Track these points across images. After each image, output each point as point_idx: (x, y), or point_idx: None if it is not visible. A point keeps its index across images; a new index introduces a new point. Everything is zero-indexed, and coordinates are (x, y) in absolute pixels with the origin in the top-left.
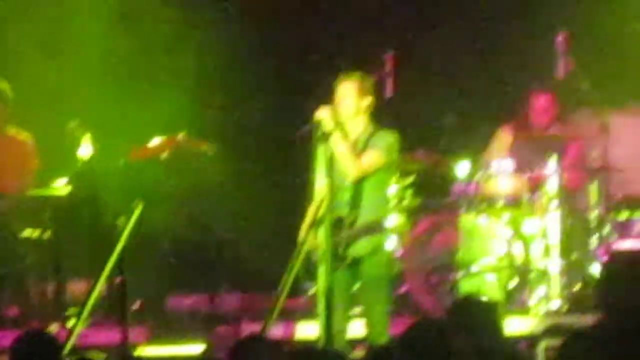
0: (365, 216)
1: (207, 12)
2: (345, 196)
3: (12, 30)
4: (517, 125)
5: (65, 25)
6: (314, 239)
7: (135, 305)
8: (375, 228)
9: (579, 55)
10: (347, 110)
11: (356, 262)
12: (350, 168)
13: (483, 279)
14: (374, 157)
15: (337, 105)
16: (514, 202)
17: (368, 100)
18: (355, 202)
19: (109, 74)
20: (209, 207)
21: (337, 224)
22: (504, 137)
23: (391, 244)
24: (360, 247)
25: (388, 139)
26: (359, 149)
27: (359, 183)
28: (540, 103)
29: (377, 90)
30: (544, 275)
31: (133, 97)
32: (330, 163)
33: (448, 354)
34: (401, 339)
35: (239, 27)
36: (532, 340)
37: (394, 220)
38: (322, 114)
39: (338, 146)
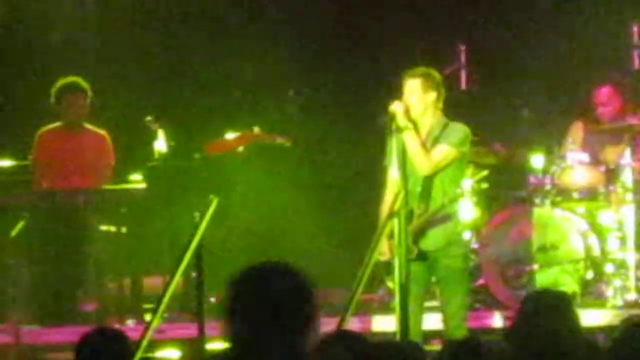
0: (434, 207)
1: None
2: (417, 189)
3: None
4: (587, 119)
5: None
6: (389, 232)
7: (212, 300)
8: (442, 216)
9: None
10: (414, 106)
11: (432, 255)
12: (420, 164)
13: (559, 272)
14: (444, 152)
15: (405, 101)
16: (589, 194)
17: (432, 96)
18: (425, 194)
19: (181, 69)
20: (285, 200)
21: (408, 216)
22: (576, 130)
23: (467, 236)
24: (434, 240)
25: (459, 132)
26: (430, 143)
27: (430, 176)
28: (602, 96)
29: (452, 83)
30: (620, 267)
31: (204, 92)
32: (403, 156)
33: None
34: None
35: (313, 17)
36: (609, 333)
37: (469, 213)
38: (396, 108)
39: (409, 141)
